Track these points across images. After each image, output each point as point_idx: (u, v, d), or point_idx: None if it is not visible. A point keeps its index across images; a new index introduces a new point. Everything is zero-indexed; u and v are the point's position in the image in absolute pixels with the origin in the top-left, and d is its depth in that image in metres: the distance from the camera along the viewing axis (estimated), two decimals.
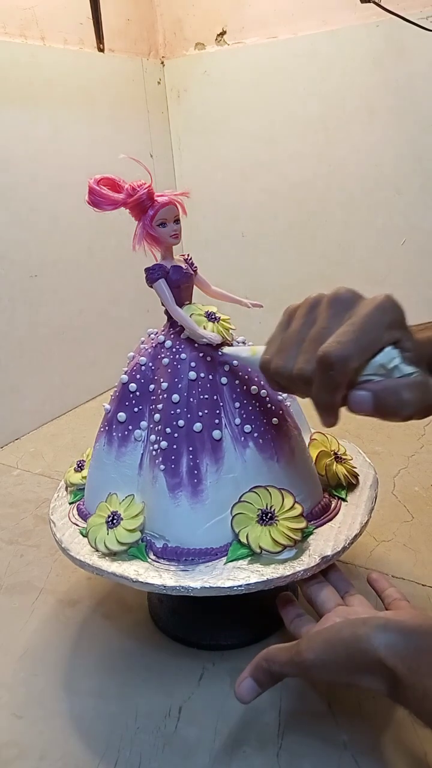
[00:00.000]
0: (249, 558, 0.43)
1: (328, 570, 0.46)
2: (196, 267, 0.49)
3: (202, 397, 0.45)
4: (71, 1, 0.96)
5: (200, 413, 0.45)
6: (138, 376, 0.48)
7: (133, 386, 0.48)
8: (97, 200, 0.44)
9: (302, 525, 0.44)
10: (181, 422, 0.45)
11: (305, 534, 0.44)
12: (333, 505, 0.49)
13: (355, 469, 0.53)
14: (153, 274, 0.47)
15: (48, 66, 0.92)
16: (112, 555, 0.45)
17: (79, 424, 0.98)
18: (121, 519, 0.45)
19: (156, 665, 0.49)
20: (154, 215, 0.45)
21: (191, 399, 0.45)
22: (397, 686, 0.32)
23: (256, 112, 1.10)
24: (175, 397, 0.45)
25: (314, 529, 0.46)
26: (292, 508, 0.44)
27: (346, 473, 0.51)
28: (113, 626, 0.54)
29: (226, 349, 0.46)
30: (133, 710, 0.46)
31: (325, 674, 0.35)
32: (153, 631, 0.53)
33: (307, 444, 0.51)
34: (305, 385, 0.36)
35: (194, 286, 0.49)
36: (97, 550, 0.45)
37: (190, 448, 0.44)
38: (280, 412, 0.48)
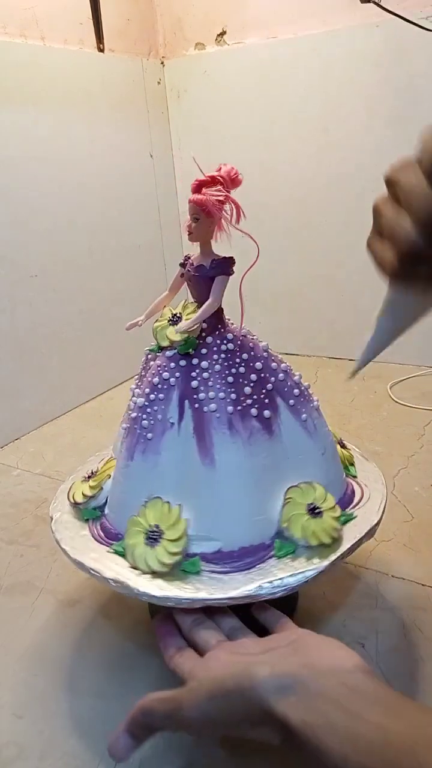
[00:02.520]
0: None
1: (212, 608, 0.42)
2: (216, 273, 0.48)
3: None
4: (71, 1, 0.96)
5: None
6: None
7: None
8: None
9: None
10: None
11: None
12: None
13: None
14: (182, 261, 0.49)
15: (48, 66, 0.92)
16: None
17: (79, 424, 0.98)
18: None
19: (156, 665, 0.49)
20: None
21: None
22: (291, 738, 0.30)
23: (256, 112, 1.10)
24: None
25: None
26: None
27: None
28: (113, 626, 0.54)
29: (356, 365, 0.46)
30: None
31: (210, 729, 0.33)
32: (153, 631, 0.53)
33: None
34: None
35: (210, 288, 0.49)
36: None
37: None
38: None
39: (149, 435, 0.45)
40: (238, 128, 1.12)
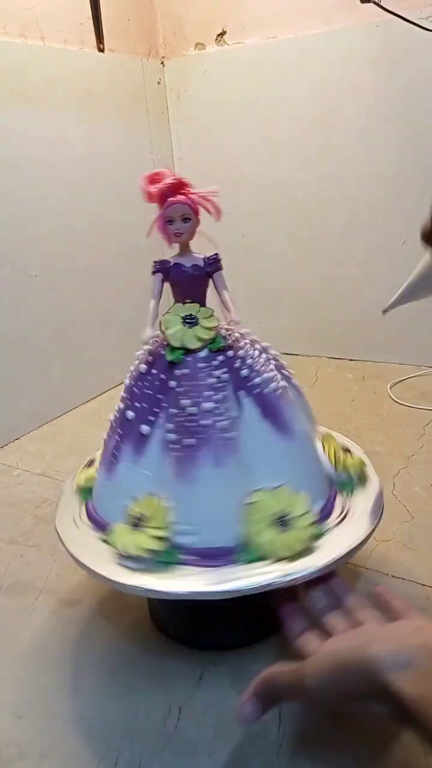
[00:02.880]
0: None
1: (333, 583, 0.44)
2: (214, 269, 0.48)
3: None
4: (71, 1, 0.96)
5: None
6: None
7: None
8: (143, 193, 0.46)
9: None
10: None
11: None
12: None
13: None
14: (154, 267, 0.48)
15: (48, 66, 0.92)
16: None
17: (79, 424, 0.98)
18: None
19: (156, 665, 0.49)
20: (163, 212, 0.46)
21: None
22: (404, 712, 0.31)
23: (256, 112, 1.10)
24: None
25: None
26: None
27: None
28: (113, 626, 0.54)
29: (390, 302, 0.47)
30: (134, 710, 0.46)
31: (329, 700, 0.35)
32: (153, 631, 0.53)
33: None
34: None
35: (203, 287, 0.49)
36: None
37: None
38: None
39: (231, 434, 0.45)
40: (238, 128, 1.12)
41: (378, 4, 0.89)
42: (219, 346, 0.47)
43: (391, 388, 1.00)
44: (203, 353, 0.47)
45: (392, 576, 0.57)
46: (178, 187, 0.46)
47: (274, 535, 0.43)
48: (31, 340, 0.95)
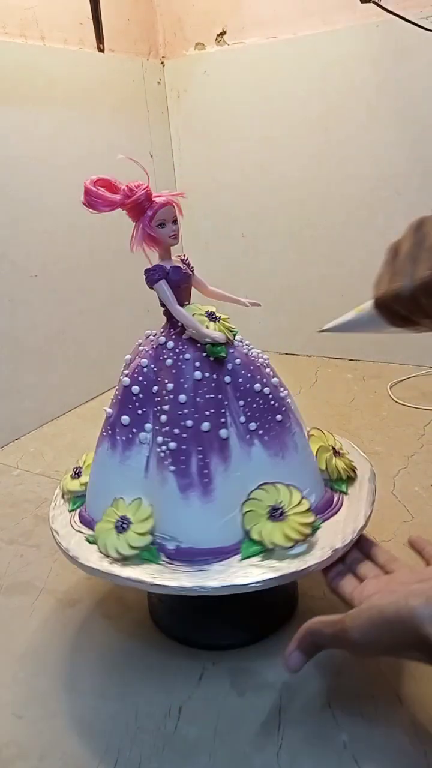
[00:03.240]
0: (262, 555, 0.44)
1: (366, 547, 0.48)
2: (192, 267, 0.49)
3: (207, 396, 0.45)
4: (71, 1, 0.96)
5: (207, 413, 0.45)
6: (140, 378, 0.48)
7: (135, 389, 0.48)
8: (93, 201, 0.44)
9: (311, 519, 0.45)
10: (189, 422, 0.45)
11: (314, 528, 0.45)
12: (336, 499, 0.50)
13: (353, 463, 0.54)
14: (153, 275, 0.47)
15: (48, 66, 0.92)
16: (124, 560, 0.44)
17: (79, 424, 0.98)
18: (131, 523, 0.45)
19: (156, 665, 0.49)
20: (153, 216, 0.45)
21: (198, 399, 0.45)
22: None
23: (256, 112, 1.10)
24: (182, 398, 0.45)
25: (321, 522, 0.47)
26: (300, 503, 0.45)
27: (345, 467, 0.52)
28: (113, 626, 0.54)
29: (327, 326, 0.47)
30: (133, 710, 0.46)
31: (370, 652, 0.37)
32: (153, 631, 0.53)
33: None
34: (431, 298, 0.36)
35: (192, 287, 0.49)
36: (107, 556, 0.45)
37: (199, 448, 0.45)
38: (283, 409, 0.48)
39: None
40: (238, 128, 1.12)
41: (378, 4, 0.89)
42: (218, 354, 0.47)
43: (391, 388, 1.00)
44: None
45: None
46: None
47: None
48: (31, 340, 0.95)
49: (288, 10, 1.03)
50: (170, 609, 0.54)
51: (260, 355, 0.50)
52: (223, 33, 1.10)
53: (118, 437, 0.48)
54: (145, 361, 0.48)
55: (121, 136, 1.08)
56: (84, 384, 1.05)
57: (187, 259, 0.49)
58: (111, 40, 1.04)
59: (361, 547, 0.47)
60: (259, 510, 0.45)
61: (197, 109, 1.16)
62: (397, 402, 0.95)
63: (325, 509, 0.48)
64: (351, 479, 0.52)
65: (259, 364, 0.48)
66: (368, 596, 0.40)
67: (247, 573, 0.42)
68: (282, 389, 0.49)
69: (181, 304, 0.48)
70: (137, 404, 0.47)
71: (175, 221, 0.46)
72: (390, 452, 0.80)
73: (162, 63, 1.16)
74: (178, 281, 0.47)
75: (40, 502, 0.75)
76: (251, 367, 0.48)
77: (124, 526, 0.45)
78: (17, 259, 0.91)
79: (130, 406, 0.48)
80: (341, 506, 0.49)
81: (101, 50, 1.02)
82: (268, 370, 0.49)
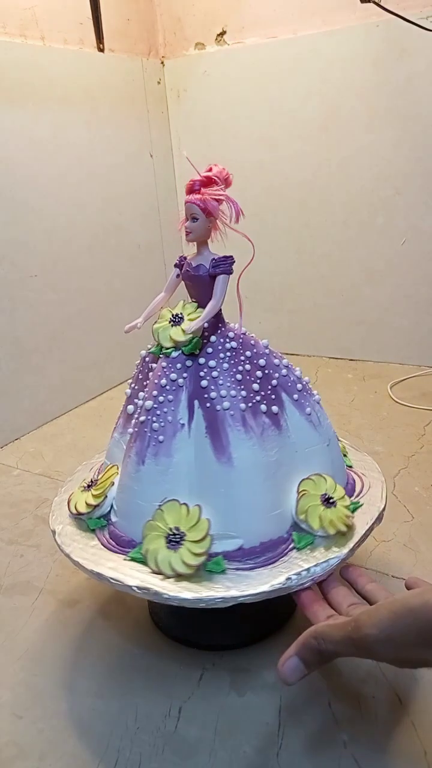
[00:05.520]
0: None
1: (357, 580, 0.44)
2: (217, 272, 0.48)
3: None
4: (71, 1, 0.96)
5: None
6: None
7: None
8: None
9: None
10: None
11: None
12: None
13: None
14: (176, 261, 0.50)
15: (48, 66, 0.92)
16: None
17: (79, 424, 0.98)
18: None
19: (156, 665, 0.49)
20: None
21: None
22: None
23: (256, 112, 1.10)
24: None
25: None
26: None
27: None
28: (113, 626, 0.54)
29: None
30: (133, 710, 0.46)
31: (391, 651, 0.32)
32: (153, 631, 0.53)
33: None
34: None
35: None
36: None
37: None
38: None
39: (160, 437, 0.45)
40: (238, 128, 1.12)
41: (378, 4, 0.89)
42: (191, 351, 0.47)
43: (391, 388, 1.00)
44: (175, 354, 0.47)
45: (392, 576, 0.57)
46: (204, 184, 0.45)
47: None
48: (31, 340, 0.95)
49: (288, 10, 1.03)
50: (170, 609, 0.53)
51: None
52: (223, 33, 1.10)
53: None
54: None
55: (121, 136, 1.08)
56: (84, 384, 1.05)
57: (217, 261, 0.48)
58: (111, 40, 1.04)
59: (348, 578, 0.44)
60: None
61: (197, 109, 1.16)
62: (397, 402, 0.95)
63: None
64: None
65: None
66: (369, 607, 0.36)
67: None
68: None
69: (198, 300, 0.49)
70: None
71: (193, 219, 0.46)
72: (390, 452, 0.80)
73: (162, 63, 1.16)
74: (183, 277, 0.49)
75: (40, 502, 0.75)
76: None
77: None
78: (17, 259, 0.91)
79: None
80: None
81: (101, 50, 1.02)
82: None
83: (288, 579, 0.41)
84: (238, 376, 0.46)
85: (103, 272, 1.06)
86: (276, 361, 0.49)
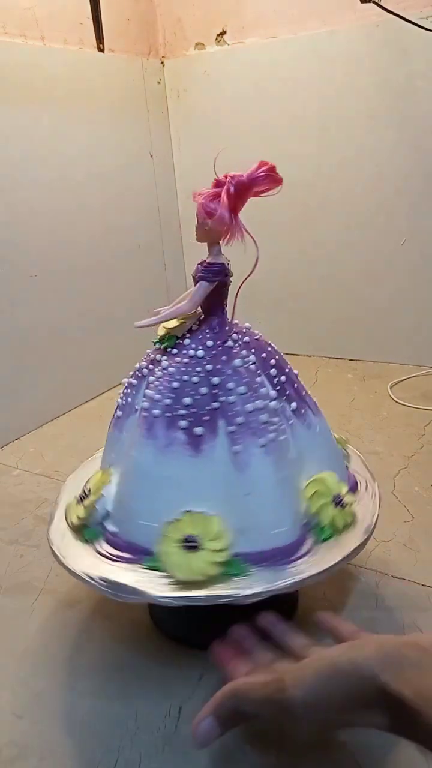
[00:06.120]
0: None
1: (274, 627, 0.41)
2: (199, 278, 0.49)
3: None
4: (71, 1, 0.96)
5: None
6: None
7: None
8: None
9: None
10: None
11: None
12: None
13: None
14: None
15: (48, 66, 0.92)
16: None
17: (79, 424, 0.98)
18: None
19: (156, 665, 0.49)
20: None
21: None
22: (402, 716, 0.29)
23: (256, 112, 1.10)
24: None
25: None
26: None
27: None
28: (113, 626, 0.54)
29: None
30: (133, 710, 0.46)
31: (315, 714, 0.30)
32: (153, 631, 0.53)
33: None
34: None
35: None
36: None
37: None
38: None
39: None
40: (238, 128, 1.12)
41: (378, 4, 0.89)
42: (165, 346, 0.48)
43: (391, 388, 1.00)
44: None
45: (392, 576, 0.57)
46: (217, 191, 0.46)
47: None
48: (31, 340, 0.95)
49: (288, 10, 1.03)
50: (170, 609, 0.53)
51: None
52: (223, 33, 1.10)
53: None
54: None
55: (121, 136, 1.08)
56: (84, 384, 1.05)
57: (204, 266, 0.48)
58: (111, 40, 1.04)
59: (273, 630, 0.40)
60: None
61: (197, 109, 1.16)
62: (397, 402, 0.95)
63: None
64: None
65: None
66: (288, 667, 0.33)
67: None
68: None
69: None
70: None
71: (201, 221, 0.46)
72: (390, 452, 0.80)
73: (162, 63, 1.16)
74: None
75: (40, 502, 0.75)
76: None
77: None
78: (17, 259, 0.91)
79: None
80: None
81: (101, 50, 1.02)
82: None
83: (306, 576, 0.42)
84: (258, 378, 0.47)
85: (103, 272, 1.06)
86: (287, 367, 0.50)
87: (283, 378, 0.48)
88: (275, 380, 0.48)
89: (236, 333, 0.49)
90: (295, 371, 0.51)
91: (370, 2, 0.89)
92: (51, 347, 0.98)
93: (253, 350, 0.48)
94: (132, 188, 1.11)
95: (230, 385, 0.45)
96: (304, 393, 0.50)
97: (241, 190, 0.45)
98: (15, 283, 0.91)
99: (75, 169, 0.98)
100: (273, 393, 0.47)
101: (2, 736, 0.44)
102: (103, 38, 1.01)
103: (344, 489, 0.48)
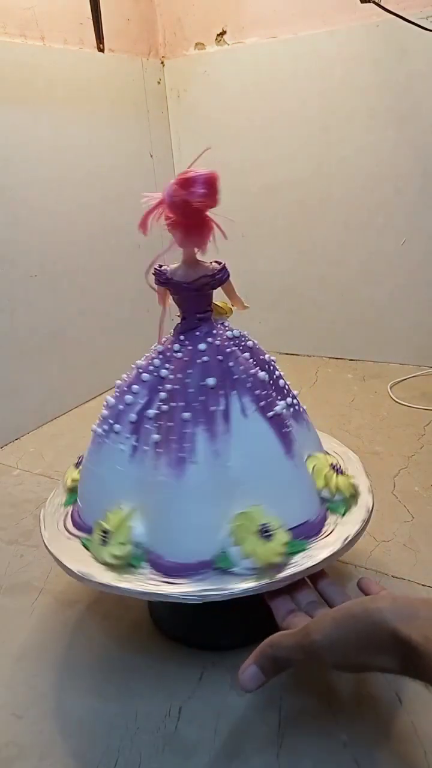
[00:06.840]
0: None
1: (318, 580, 0.45)
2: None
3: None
4: (71, 1, 0.96)
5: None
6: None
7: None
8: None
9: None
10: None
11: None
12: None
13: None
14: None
15: (48, 66, 0.92)
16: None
17: (79, 424, 0.98)
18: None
19: (156, 665, 0.49)
20: None
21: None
22: (411, 659, 0.31)
23: (256, 112, 1.10)
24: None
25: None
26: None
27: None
28: (113, 626, 0.54)
29: None
30: (133, 710, 0.46)
31: (335, 656, 0.34)
32: (153, 631, 0.53)
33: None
34: None
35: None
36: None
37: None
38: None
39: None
40: (238, 128, 1.12)
41: (378, 4, 0.89)
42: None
43: (391, 388, 1.00)
44: None
45: (392, 576, 0.57)
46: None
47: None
48: (31, 340, 0.95)
49: (288, 10, 1.03)
50: (170, 609, 0.54)
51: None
52: (223, 33, 1.10)
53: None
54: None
55: (121, 136, 1.08)
56: (84, 384, 1.05)
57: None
58: (111, 40, 1.04)
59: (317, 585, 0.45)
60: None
61: (197, 109, 1.16)
62: (397, 402, 0.95)
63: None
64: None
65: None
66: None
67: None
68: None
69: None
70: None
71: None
72: (390, 452, 0.80)
73: (162, 63, 1.16)
74: None
75: (40, 502, 0.75)
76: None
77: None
78: (17, 259, 0.91)
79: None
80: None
81: (101, 50, 1.02)
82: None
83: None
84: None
85: (103, 272, 1.06)
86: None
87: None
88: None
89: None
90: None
91: (370, 2, 0.89)
92: (51, 347, 0.98)
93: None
94: (132, 188, 1.11)
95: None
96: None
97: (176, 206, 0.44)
98: (15, 283, 0.91)
99: (75, 169, 0.98)
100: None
101: (2, 736, 0.44)
102: (103, 38, 1.01)
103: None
